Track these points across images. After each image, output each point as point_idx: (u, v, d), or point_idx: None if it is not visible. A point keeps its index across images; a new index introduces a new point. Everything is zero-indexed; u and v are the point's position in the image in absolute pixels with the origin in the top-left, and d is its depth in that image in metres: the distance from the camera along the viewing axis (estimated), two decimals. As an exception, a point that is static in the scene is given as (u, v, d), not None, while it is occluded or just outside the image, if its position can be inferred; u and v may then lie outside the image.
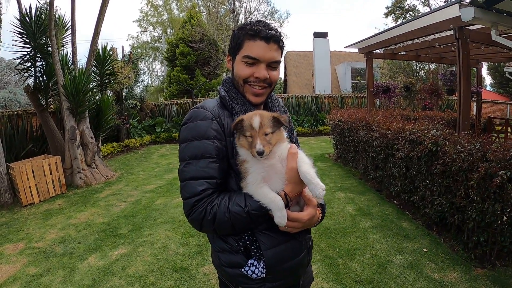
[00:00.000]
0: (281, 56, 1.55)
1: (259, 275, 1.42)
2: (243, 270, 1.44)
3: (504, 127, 10.41)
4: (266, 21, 1.53)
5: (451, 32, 5.91)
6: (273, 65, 1.50)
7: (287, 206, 1.35)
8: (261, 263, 1.43)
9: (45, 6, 8.88)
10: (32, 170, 6.89)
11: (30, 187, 6.81)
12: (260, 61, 1.46)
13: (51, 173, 7.27)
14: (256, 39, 1.44)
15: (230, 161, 1.44)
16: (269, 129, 1.30)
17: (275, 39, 1.47)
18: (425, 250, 4.19)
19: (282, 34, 1.52)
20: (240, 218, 1.32)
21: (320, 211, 1.54)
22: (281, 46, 1.52)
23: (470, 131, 5.27)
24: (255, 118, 1.30)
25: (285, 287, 1.52)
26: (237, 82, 1.53)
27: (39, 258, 4.48)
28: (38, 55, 8.54)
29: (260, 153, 1.26)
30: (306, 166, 1.31)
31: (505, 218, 3.54)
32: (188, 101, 16.33)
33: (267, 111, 1.36)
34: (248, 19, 20.53)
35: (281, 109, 1.68)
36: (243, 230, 1.41)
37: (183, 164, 1.41)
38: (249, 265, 1.43)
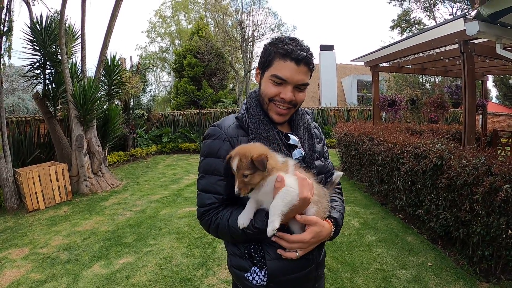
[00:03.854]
0: (310, 77, 1.53)
1: (259, 282, 1.48)
2: (246, 275, 1.51)
3: (510, 140, 10.36)
4: (299, 39, 1.51)
5: (456, 45, 5.94)
6: (301, 87, 1.50)
7: (282, 230, 1.39)
8: (263, 272, 1.48)
9: (56, 15, 9.02)
10: (39, 176, 6.95)
11: (36, 193, 6.86)
12: (288, 82, 1.46)
13: (57, 180, 7.33)
14: (287, 60, 1.43)
15: None
16: (247, 171, 1.29)
17: (306, 62, 1.45)
18: (430, 264, 4.17)
19: (313, 55, 1.51)
20: (236, 233, 1.41)
21: (332, 223, 1.54)
22: (311, 69, 1.51)
23: (475, 144, 5.27)
24: (235, 160, 1.32)
25: None
26: (262, 99, 1.55)
27: (44, 264, 4.51)
28: (47, 63, 8.66)
29: (237, 195, 1.33)
30: (276, 201, 1.30)
31: (510, 232, 3.52)
32: (195, 112, 16.42)
33: (253, 150, 1.32)
34: (254, 31, 20.69)
35: (305, 124, 1.68)
36: (242, 241, 1.50)
37: (199, 176, 1.55)
38: (251, 271, 1.50)
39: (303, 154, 1.59)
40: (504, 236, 3.54)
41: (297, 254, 1.43)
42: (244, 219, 1.39)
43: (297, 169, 1.40)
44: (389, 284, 3.78)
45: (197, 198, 1.55)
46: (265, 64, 1.51)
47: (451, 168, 4.12)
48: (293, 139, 1.60)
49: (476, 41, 5.84)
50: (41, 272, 4.30)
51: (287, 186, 1.31)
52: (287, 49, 1.43)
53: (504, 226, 3.46)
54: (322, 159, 1.73)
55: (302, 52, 1.43)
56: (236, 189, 1.32)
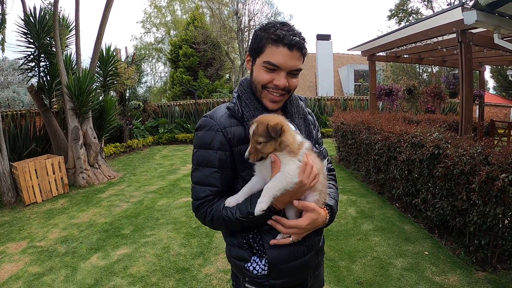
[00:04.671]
0: (303, 62, 1.50)
1: (260, 272, 1.48)
2: (246, 265, 1.51)
3: (507, 130, 10.39)
4: (290, 24, 1.47)
5: (454, 35, 5.90)
6: (294, 72, 1.47)
7: (277, 214, 1.41)
8: (263, 261, 1.49)
9: (50, 6, 8.91)
10: (35, 170, 6.92)
11: (33, 186, 6.84)
12: (281, 68, 1.42)
13: (54, 173, 7.31)
14: (279, 45, 1.39)
15: (238, 168, 1.49)
16: (261, 138, 1.30)
17: (299, 47, 1.42)
18: (426, 253, 4.20)
19: (305, 40, 1.47)
20: (231, 222, 1.41)
21: (328, 211, 1.54)
22: (303, 54, 1.47)
23: (472, 134, 5.27)
24: (252, 125, 1.33)
25: (289, 286, 1.54)
26: (255, 86, 1.52)
27: (42, 257, 4.51)
28: (42, 55, 8.57)
29: (246, 159, 1.34)
30: (271, 183, 1.33)
31: (506, 221, 3.55)
32: (191, 102, 16.37)
33: (271, 119, 1.33)
34: (250, 21, 20.59)
35: (300, 111, 1.67)
36: (239, 230, 1.51)
37: (193, 168, 1.54)
38: (251, 261, 1.50)
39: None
40: (500, 225, 3.56)
41: (291, 239, 1.44)
42: (232, 199, 1.42)
43: (309, 155, 1.40)
44: (386, 273, 3.81)
45: (191, 191, 1.54)
46: (256, 50, 1.47)
47: (448, 157, 4.12)
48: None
49: (473, 31, 5.80)
50: (39, 265, 4.30)
51: (286, 171, 1.32)
52: (279, 35, 1.39)
53: (500, 216, 3.48)
54: (317, 145, 1.73)
55: (294, 37, 1.40)
56: (246, 153, 1.32)
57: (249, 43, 1.56)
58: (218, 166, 1.46)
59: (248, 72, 1.57)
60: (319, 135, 1.82)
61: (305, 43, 1.47)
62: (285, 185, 1.32)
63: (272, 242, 1.45)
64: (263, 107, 1.52)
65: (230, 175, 1.49)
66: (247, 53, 1.57)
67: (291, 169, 1.32)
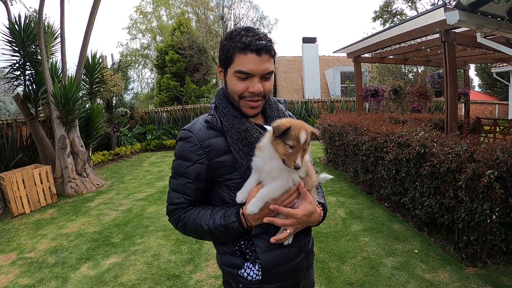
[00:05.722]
0: (274, 63, 1.50)
1: (254, 277, 1.49)
2: (239, 272, 1.51)
3: (493, 127, 10.54)
4: (254, 27, 1.47)
5: (437, 35, 5.98)
6: (266, 76, 1.46)
7: (248, 230, 1.47)
8: (257, 266, 1.49)
9: (34, 14, 8.85)
10: (23, 180, 6.82)
11: (20, 197, 6.74)
12: (253, 74, 1.42)
13: (41, 183, 7.21)
14: (247, 53, 1.39)
15: (223, 177, 1.50)
16: (307, 146, 1.32)
17: (266, 50, 1.41)
18: (416, 251, 4.23)
19: (272, 41, 1.46)
20: (203, 231, 1.47)
21: (321, 209, 1.57)
22: (273, 55, 1.47)
23: (458, 132, 5.34)
24: (303, 133, 1.29)
25: None
26: (231, 97, 1.51)
27: (31, 268, 4.44)
28: (27, 64, 8.49)
29: (297, 168, 1.30)
30: (268, 189, 1.37)
31: (494, 217, 3.61)
32: (178, 108, 16.31)
33: (308, 125, 1.35)
34: (236, 25, 20.63)
35: (280, 114, 1.66)
36: (208, 240, 1.59)
37: (171, 175, 1.59)
38: (245, 267, 1.51)
39: None
40: (488, 221, 3.62)
41: (288, 231, 1.43)
42: (242, 194, 1.43)
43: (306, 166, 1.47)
44: (376, 272, 3.83)
45: (167, 195, 1.59)
46: (226, 61, 1.46)
47: (434, 156, 4.17)
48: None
49: (457, 30, 5.89)
50: (29, 276, 4.24)
51: (286, 179, 1.37)
52: (245, 42, 1.38)
53: (488, 211, 3.53)
54: None
55: (261, 41, 1.39)
56: (299, 161, 1.29)
57: (219, 55, 1.54)
58: (194, 178, 1.50)
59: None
60: None
61: (272, 45, 1.46)
62: (280, 191, 1.38)
63: (273, 239, 1.43)
64: (242, 114, 1.53)
65: (205, 187, 1.53)
66: (218, 64, 1.56)
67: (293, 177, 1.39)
